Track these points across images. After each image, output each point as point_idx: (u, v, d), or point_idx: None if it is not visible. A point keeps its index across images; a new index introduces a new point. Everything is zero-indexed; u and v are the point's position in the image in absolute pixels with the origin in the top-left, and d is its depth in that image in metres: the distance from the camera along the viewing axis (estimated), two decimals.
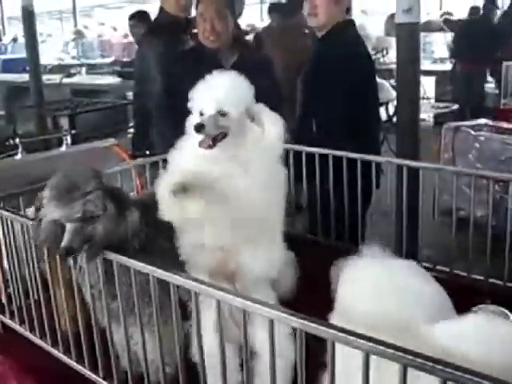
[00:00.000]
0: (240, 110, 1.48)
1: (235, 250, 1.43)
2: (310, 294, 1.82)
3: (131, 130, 6.51)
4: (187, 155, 1.51)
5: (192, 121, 1.52)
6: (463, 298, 1.81)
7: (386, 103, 7.55)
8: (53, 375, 1.72)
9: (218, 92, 1.47)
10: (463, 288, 2.05)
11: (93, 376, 1.61)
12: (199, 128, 1.40)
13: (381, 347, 1.00)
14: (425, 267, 2.18)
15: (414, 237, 2.43)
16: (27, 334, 1.82)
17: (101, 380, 1.59)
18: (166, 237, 1.50)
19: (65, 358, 1.70)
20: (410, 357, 0.97)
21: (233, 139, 1.46)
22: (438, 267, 2.15)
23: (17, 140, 2.31)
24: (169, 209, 1.42)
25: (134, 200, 1.53)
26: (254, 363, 1.43)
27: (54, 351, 1.73)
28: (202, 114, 1.48)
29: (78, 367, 1.65)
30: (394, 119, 7.62)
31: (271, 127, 1.50)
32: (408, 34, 3.27)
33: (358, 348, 1.03)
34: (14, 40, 15.26)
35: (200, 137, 1.45)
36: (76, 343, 1.64)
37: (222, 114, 1.45)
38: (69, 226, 1.41)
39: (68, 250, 1.39)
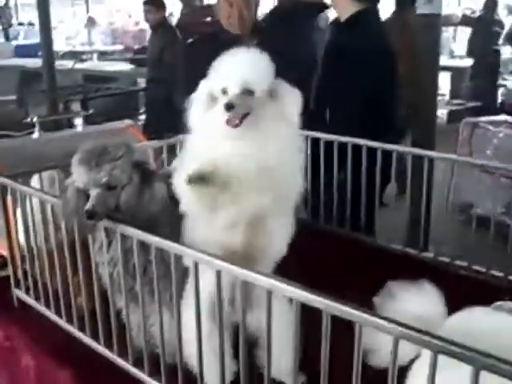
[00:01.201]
0: (264, 87, 1.43)
1: (262, 225, 1.39)
2: (323, 285, 1.80)
3: (141, 117, 6.51)
4: (205, 138, 1.47)
5: (200, 99, 1.47)
6: (481, 295, 1.79)
7: None
8: (66, 350, 1.72)
9: (243, 69, 1.42)
10: (482, 284, 2.03)
11: (107, 353, 1.60)
12: (230, 107, 1.36)
13: (411, 332, 0.98)
14: (443, 262, 2.16)
15: (426, 229, 2.41)
16: (43, 309, 1.82)
17: (115, 357, 1.58)
18: None
19: (79, 335, 1.69)
20: (441, 343, 0.94)
21: (255, 117, 1.42)
22: (457, 262, 2.11)
23: (34, 119, 2.29)
24: (186, 197, 1.38)
25: (162, 176, 1.51)
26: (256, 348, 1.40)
27: (69, 327, 1.72)
28: (224, 92, 1.42)
29: (93, 344, 1.64)
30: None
31: (290, 102, 1.46)
32: (429, 25, 3.24)
33: (387, 332, 1.00)
34: (21, 24, 15.29)
35: (216, 116, 1.41)
36: (91, 320, 1.63)
37: (248, 92, 1.41)
38: (94, 191, 1.41)
39: (90, 214, 1.38)
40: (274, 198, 1.34)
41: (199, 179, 1.30)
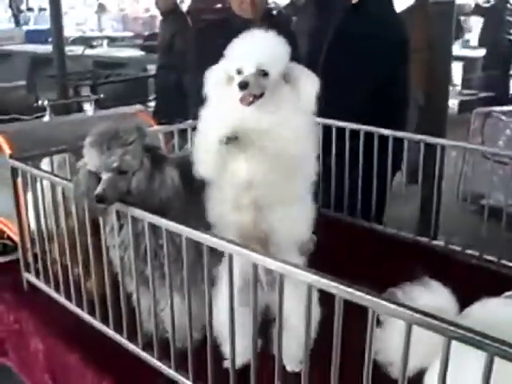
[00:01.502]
0: (279, 70, 1.43)
1: (268, 209, 1.39)
2: (334, 273, 1.80)
3: (151, 104, 6.51)
4: (222, 115, 1.46)
5: (217, 76, 1.48)
6: (493, 284, 1.78)
7: None
8: (76, 333, 1.72)
9: (259, 50, 1.43)
10: (493, 274, 2.01)
11: (117, 337, 1.60)
12: (244, 86, 1.36)
13: (424, 318, 0.97)
14: (454, 250, 2.15)
15: (437, 218, 2.39)
16: (52, 293, 1.82)
17: (125, 341, 1.58)
18: (199, 201, 1.48)
19: (89, 319, 1.69)
20: (456, 329, 0.93)
21: (269, 97, 1.42)
22: (468, 251, 2.10)
23: (45, 102, 2.28)
24: (213, 163, 1.39)
25: (173, 160, 1.50)
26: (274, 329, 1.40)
27: (79, 311, 1.72)
28: (239, 72, 1.42)
29: (103, 328, 1.64)
30: None
31: (306, 86, 1.45)
32: (442, 14, 3.21)
33: (400, 318, 1.00)
34: (30, 9, 15.34)
35: (232, 95, 1.41)
36: (101, 304, 1.63)
37: (262, 73, 1.41)
38: (105, 176, 1.40)
39: (100, 198, 1.38)
40: (282, 177, 1.34)
41: (235, 139, 1.33)
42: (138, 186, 1.42)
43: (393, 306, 0.99)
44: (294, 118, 1.41)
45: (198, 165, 1.42)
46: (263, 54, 1.41)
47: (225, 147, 1.33)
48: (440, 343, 0.98)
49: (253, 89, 1.37)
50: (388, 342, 1.21)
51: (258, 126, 1.37)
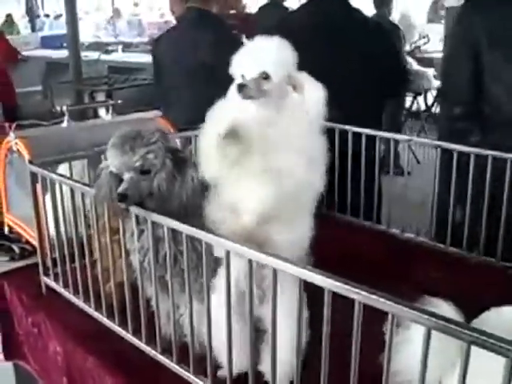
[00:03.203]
0: (282, 74, 1.43)
1: (267, 223, 1.33)
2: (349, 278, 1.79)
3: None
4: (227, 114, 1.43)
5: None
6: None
7: (425, 92, 7.42)
8: (94, 337, 1.73)
9: (260, 54, 1.44)
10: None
11: (135, 341, 1.61)
12: (241, 88, 1.37)
13: (443, 322, 0.97)
14: (471, 257, 2.11)
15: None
16: (71, 296, 1.84)
17: (143, 345, 1.59)
18: None
19: (108, 322, 1.70)
20: (474, 334, 0.93)
21: (273, 103, 1.42)
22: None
23: (64, 107, 2.30)
24: (209, 160, 1.36)
25: (193, 164, 1.50)
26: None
27: (97, 315, 1.74)
28: (243, 77, 1.43)
29: (121, 331, 1.66)
30: (433, 109, 7.48)
31: (312, 96, 1.44)
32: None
33: (418, 323, 1.00)
34: (47, 15, 15.56)
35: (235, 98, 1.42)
36: (119, 308, 1.65)
37: (264, 77, 1.41)
38: (127, 175, 1.42)
39: (122, 197, 1.39)
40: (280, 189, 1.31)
41: (233, 133, 1.29)
42: (159, 187, 1.43)
43: (413, 311, 0.99)
44: (296, 126, 1.40)
45: (202, 165, 1.39)
46: (264, 58, 1.42)
47: (223, 142, 1.29)
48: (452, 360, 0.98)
49: (251, 91, 1.38)
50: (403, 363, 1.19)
51: (260, 126, 1.36)
